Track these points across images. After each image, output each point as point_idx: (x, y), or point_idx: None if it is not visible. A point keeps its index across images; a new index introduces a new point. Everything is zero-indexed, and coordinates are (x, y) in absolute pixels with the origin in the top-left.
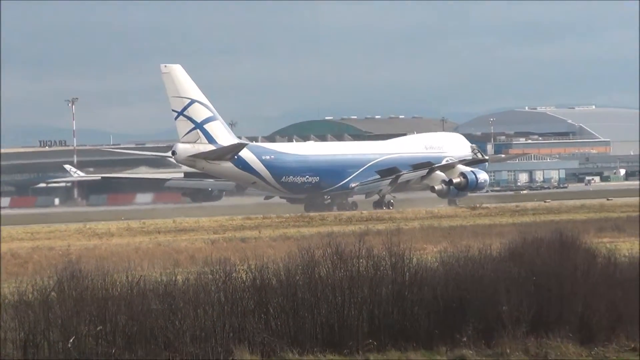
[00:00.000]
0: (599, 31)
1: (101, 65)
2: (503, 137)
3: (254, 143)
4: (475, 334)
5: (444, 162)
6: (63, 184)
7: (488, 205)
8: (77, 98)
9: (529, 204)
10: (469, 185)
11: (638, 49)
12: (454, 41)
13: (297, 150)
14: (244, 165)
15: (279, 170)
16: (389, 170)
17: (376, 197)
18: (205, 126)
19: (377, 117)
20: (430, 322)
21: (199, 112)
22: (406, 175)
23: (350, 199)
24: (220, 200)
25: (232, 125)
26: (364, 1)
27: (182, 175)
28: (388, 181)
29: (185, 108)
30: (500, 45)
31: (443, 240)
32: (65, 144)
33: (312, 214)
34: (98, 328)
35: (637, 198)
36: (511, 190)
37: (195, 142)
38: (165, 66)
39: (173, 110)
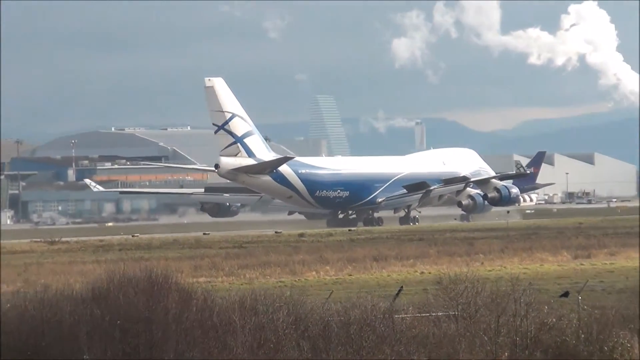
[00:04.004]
0: (187, 43)
1: None
2: (86, 162)
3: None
4: None
5: (463, 177)
6: None
7: (68, 239)
8: None
9: (116, 238)
10: (502, 200)
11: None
12: (28, 53)
13: (329, 165)
14: (281, 179)
15: (314, 185)
16: (418, 185)
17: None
18: (245, 140)
19: None
20: None
21: (240, 127)
22: (439, 190)
23: (376, 214)
24: (237, 216)
25: None
26: None
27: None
28: (416, 196)
29: (226, 122)
30: (86, 57)
31: (17, 279)
32: None
33: None
34: None
35: (234, 232)
36: (95, 222)
37: (235, 155)
38: (209, 79)
39: (213, 124)
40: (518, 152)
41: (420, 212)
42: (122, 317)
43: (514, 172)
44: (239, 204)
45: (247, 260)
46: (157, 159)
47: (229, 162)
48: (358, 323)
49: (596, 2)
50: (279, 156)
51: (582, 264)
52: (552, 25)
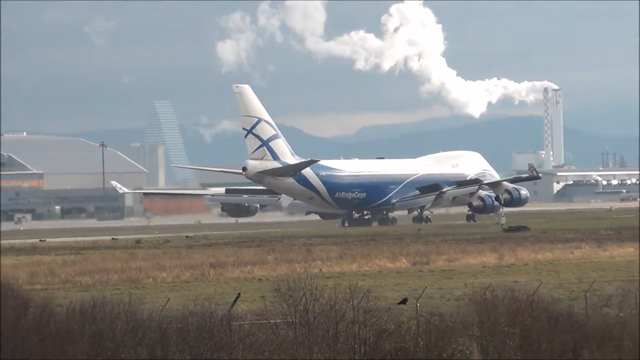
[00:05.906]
0: (21, 48)
1: None
2: None
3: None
4: None
5: (470, 180)
6: None
7: None
8: None
9: None
10: (513, 201)
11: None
12: None
13: (348, 168)
14: (304, 181)
15: (334, 187)
16: (431, 187)
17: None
18: (271, 144)
19: None
20: None
21: (266, 131)
22: (452, 191)
23: (391, 214)
24: (255, 216)
25: None
26: None
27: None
28: (430, 197)
29: (253, 126)
30: None
31: None
32: None
33: None
34: None
35: (71, 238)
36: None
37: (262, 159)
38: (237, 86)
39: (243, 129)
40: (360, 158)
41: (432, 212)
42: None
43: (527, 175)
44: (258, 205)
45: (84, 267)
46: None
47: (256, 165)
48: (196, 330)
49: (421, 2)
50: (302, 160)
51: (420, 271)
52: (376, 27)
